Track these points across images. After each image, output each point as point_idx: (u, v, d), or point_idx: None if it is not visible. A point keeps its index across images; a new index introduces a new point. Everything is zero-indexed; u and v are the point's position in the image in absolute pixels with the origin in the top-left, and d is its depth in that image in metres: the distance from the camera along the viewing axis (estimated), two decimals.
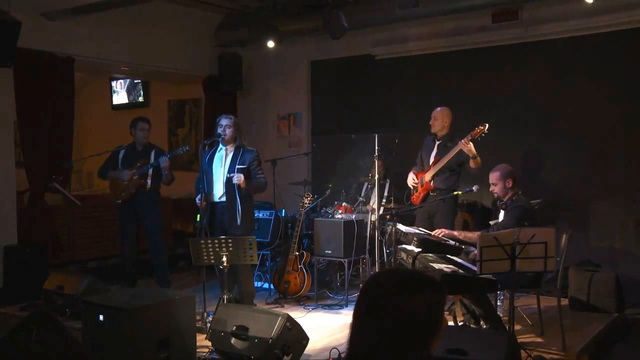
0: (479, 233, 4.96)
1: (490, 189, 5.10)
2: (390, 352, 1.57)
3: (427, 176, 6.12)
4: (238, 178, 5.55)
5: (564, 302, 5.72)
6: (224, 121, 5.72)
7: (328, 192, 7.17)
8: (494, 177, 5.02)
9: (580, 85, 6.70)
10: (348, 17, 6.91)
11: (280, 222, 7.17)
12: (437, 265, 4.54)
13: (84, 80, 10.07)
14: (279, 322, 4.34)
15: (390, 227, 5.57)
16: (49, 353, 1.65)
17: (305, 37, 8.04)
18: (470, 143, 5.71)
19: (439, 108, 6.23)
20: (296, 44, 8.30)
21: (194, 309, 4.70)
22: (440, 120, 6.17)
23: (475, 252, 4.84)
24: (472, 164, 5.86)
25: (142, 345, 4.22)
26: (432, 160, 6.16)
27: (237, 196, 5.62)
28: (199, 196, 5.66)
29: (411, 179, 6.29)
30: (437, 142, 6.20)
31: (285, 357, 4.31)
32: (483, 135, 5.68)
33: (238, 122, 5.87)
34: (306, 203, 6.68)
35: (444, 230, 5.26)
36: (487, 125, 5.65)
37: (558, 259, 4.75)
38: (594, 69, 6.64)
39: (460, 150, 5.79)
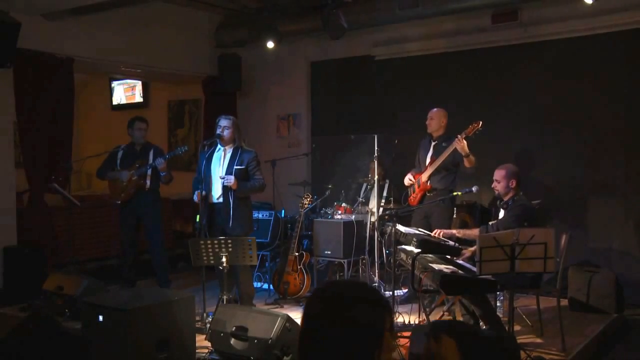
0: (478, 230, 4.96)
1: (493, 185, 5.10)
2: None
3: (424, 177, 6.12)
4: (228, 180, 5.55)
5: (564, 302, 5.72)
6: (223, 122, 5.72)
7: (327, 192, 7.17)
8: (499, 174, 5.03)
9: (580, 85, 6.71)
10: (347, 18, 6.91)
11: (280, 222, 7.17)
12: (436, 266, 4.54)
13: (84, 80, 10.07)
14: (278, 322, 4.34)
15: (390, 227, 5.57)
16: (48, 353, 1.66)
17: (304, 37, 8.05)
18: (464, 141, 5.71)
19: (434, 109, 6.25)
20: (296, 45, 8.30)
21: (193, 309, 4.70)
22: (436, 120, 6.18)
23: (469, 249, 4.86)
24: (466, 163, 5.87)
25: (141, 345, 4.21)
26: (428, 160, 6.17)
27: (230, 197, 5.62)
28: (195, 195, 5.64)
29: (408, 179, 6.30)
30: (433, 143, 6.21)
31: (284, 358, 4.31)
32: (477, 132, 5.67)
33: (237, 123, 5.86)
34: (306, 204, 6.68)
35: (443, 230, 5.26)
36: (480, 122, 5.65)
37: (557, 259, 4.75)
38: (593, 70, 6.64)
39: (456, 150, 5.80)
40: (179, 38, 8.25)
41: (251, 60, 8.77)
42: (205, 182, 5.69)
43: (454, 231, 5.23)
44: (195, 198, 5.64)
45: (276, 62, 8.66)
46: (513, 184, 4.98)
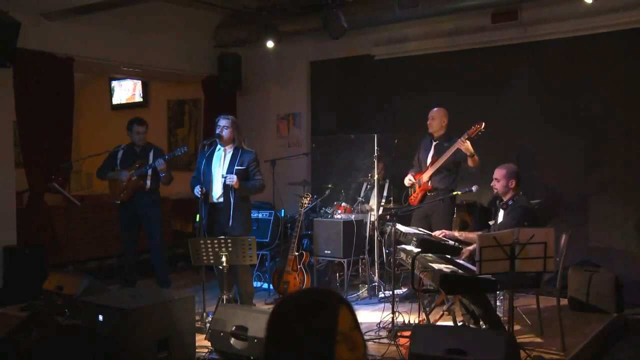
0: (479, 234, 4.96)
1: (492, 184, 5.09)
2: None
3: (425, 176, 6.13)
4: (231, 179, 5.55)
5: (564, 302, 5.72)
6: (222, 122, 5.72)
7: (327, 192, 7.17)
8: (499, 173, 5.02)
9: (579, 85, 6.71)
10: (347, 17, 6.91)
11: (280, 222, 7.18)
12: (436, 266, 4.54)
13: (84, 80, 10.07)
14: None
15: (390, 227, 5.57)
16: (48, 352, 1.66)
17: (304, 37, 8.05)
18: (468, 142, 5.72)
19: (435, 108, 6.24)
20: (296, 44, 8.30)
21: (193, 309, 4.70)
22: (438, 120, 6.19)
23: (467, 248, 4.87)
24: (470, 162, 5.88)
25: (141, 345, 4.22)
26: (429, 160, 6.17)
27: (231, 197, 5.61)
28: (197, 189, 5.63)
29: (408, 180, 6.30)
30: (434, 143, 6.21)
31: None
32: (480, 133, 5.68)
33: (237, 123, 5.86)
34: (306, 203, 6.68)
35: (444, 231, 5.26)
36: (483, 123, 5.66)
37: (557, 259, 4.75)
38: (592, 69, 6.64)
39: (457, 150, 5.80)
40: (179, 38, 8.25)
41: (251, 60, 8.77)
42: (205, 181, 5.69)
43: (455, 234, 5.23)
44: (197, 193, 5.62)
45: (276, 62, 8.66)
46: (512, 184, 4.98)
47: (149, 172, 6.52)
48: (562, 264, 4.92)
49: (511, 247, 4.12)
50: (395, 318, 5.10)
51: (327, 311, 1.62)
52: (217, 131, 5.69)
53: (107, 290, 5.75)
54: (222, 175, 5.62)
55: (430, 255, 4.87)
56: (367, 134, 6.52)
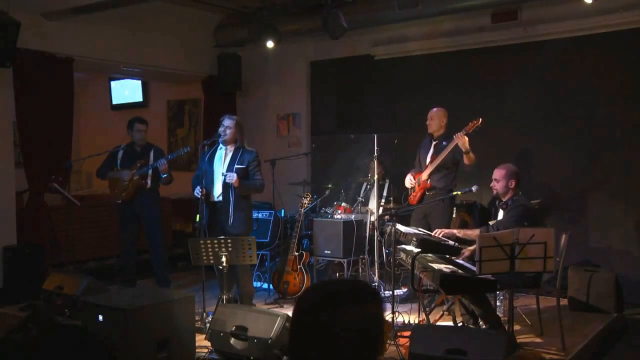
0: (478, 230, 4.96)
1: (491, 185, 5.09)
2: None
3: (424, 175, 6.13)
4: (230, 177, 5.55)
5: (563, 302, 5.72)
6: (227, 122, 5.73)
7: (327, 192, 7.17)
8: (498, 173, 5.02)
9: (579, 85, 6.71)
10: (347, 17, 6.92)
11: (280, 222, 7.18)
12: (436, 266, 4.54)
13: (84, 80, 10.07)
14: (278, 322, 4.34)
15: (390, 227, 5.57)
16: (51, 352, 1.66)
17: (304, 37, 8.05)
18: (465, 137, 5.72)
19: (435, 108, 6.25)
20: (295, 44, 8.30)
21: (193, 309, 4.71)
22: (437, 120, 6.19)
23: (468, 248, 4.87)
24: (465, 160, 5.88)
25: (141, 345, 4.22)
26: (428, 159, 6.18)
27: (231, 195, 5.62)
28: (197, 190, 5.64)
29: (408, 181, 6.30)
30: (434, 142, 6.21)
31: (284, 357, 4.31)
32: (477, 129, 5.68)
33: (241, 124, 5.86)
34: (305, 203, 6.69)
35: (443, 230, 5.26)
36: (480, 119, 5.66)
37: (557, 259, 4.75)
38: (592, 69, 6.64)
39: (456, 148, 5.81)
40: (179, 38, 8.25)
41: (251, 60, 8.77)
42: (206, 181, 5.69)
43: (454, 231, 5.23)
44: (197, 193, 5.63)
45: (276, 62, 8.67)
46: (512, 184, 4.98)
47: (150, 171, 6.53)
48: (562, 264, 4.93)
49: (511, 247, 4.12)
50: (395, 318, 5.10)
51: (377, 305, 1.55)
52: (220, 130, 5.70)
53: (107, 290, 5.74)
54: (222, 173, 5.63)
55: (430, 255, 4.87)
56: (367, 134, 6.52)
